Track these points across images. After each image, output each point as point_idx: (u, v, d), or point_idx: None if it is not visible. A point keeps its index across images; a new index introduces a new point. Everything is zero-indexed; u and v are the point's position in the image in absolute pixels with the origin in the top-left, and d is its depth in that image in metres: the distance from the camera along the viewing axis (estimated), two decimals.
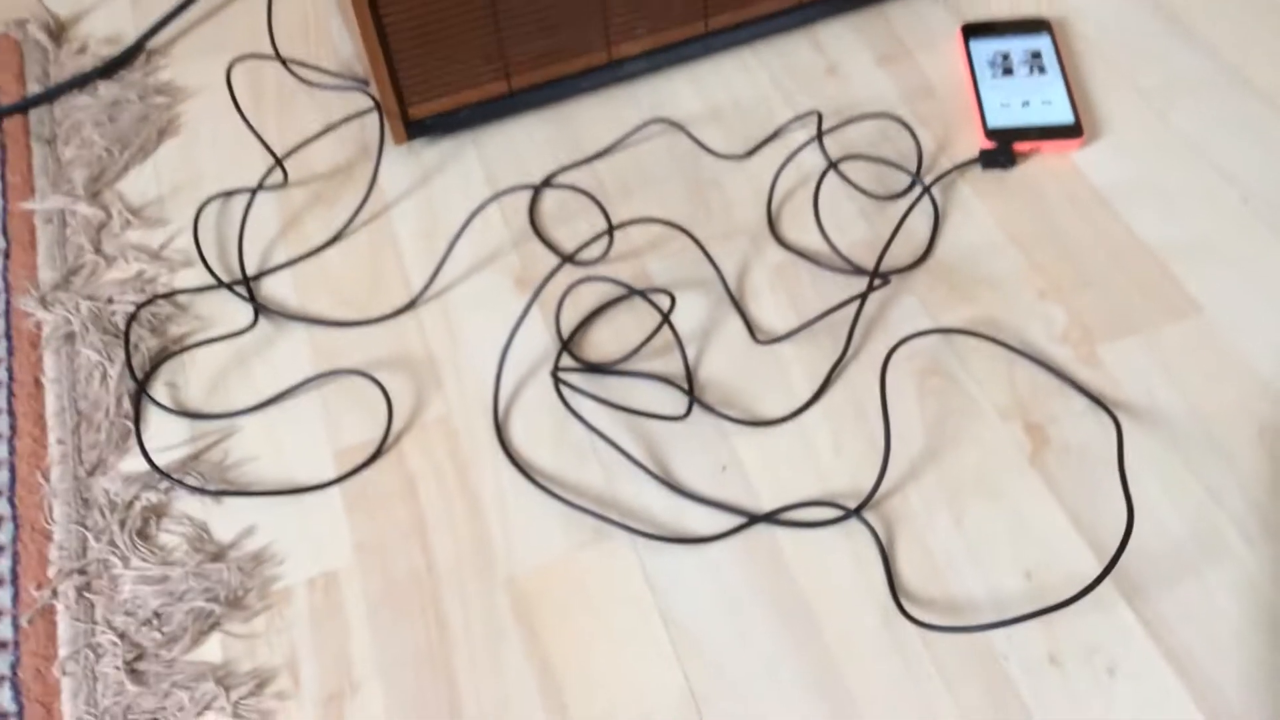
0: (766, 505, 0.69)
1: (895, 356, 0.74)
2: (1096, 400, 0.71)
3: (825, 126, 0.87)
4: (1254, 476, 0.68)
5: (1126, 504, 0.66)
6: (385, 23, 0.81)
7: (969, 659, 0.63)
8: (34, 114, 0.94)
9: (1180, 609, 0.63)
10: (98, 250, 0.85)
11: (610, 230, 0.80)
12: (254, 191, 0.86)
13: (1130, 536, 0.65)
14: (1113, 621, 0.63)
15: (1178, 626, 0.63)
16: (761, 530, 0.68)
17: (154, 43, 0.99)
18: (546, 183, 0.86)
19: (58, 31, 1.02)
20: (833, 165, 0.84)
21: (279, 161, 0.87)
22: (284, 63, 0.94)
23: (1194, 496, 0.67)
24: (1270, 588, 0.64)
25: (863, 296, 0.76)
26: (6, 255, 0.85)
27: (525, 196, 0.85)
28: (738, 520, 0.69)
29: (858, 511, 0.68)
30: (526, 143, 0.89)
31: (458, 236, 0.82)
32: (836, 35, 0.94)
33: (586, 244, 0.81)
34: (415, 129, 0.88)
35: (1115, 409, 0.71)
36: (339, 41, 0.98)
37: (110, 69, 0.96)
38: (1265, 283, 0.76)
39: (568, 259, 0.80)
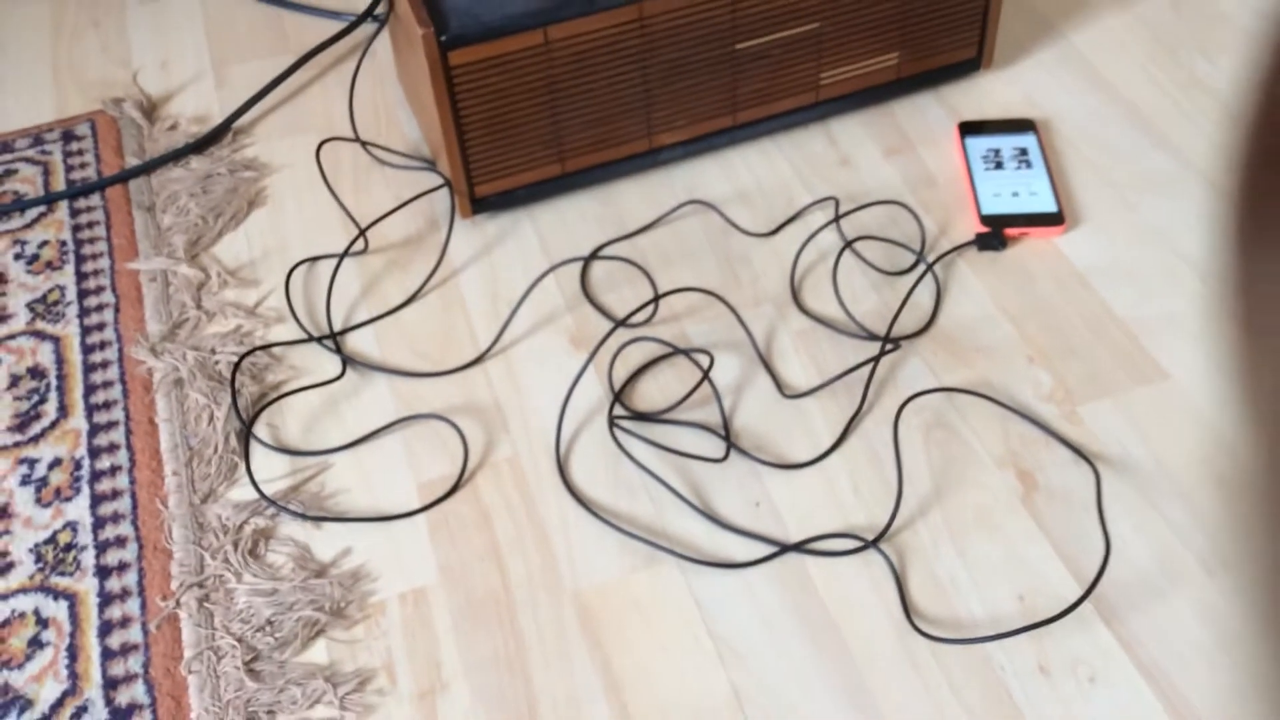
0: (795, 536, 0.80)
1: (905, 411, 0.86)
2: (1078, 451, 0.83)
3: (840, 211, 0.99)
4: (1213, 518, 0.79)
5: (1104, 539, 0.77)
6: (461, 116, 0.93)
7: (971, 668, 0.74)
8: (133, 184, 1.06)
9: (1150, 628, 0.75)
10: (199, 306, 0.96)
11: (656, 298, 0.92)
12: (341, 257, 0.98)
13: (1107, 566, 0.77)
14: (1093, 638, 0.74)
15: (1148, 643, 0.74)
16: (791, 558, 0.79)
17: (239, 123, 1.11)
18: (596, 255, 0.98)
19: (150, 110, 1.13)
20: (848, 244, 0.96)
21: (362, 232, 0.99)
22: (364, 144, 1.06)
23: (1161, 534, 0.79)
24: (1227, 611, 0.75)
25: (875, 359, 0.88)
26: (117, 309, 0.96)
27: (577, 266, 0.97)
28: (770, 549, 0.80)
29: (875, 543, 0.79)
30: (576, 218, 1.01)
31: (520, 302, 0.94)
32: (848, 130, 1.06)
33: (637, 310, 0.93)
34: (479, 205, 1.00)
35: (1094, 459, 0.82)
36: (406, 126, 1.10)
37: (201, 145, 1.08)
38: (1222, 354, 0.88)
39: (620, 323, 0.91)
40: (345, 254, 0.98)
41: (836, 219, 0.98)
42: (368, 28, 1.20)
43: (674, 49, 0.96)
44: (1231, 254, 0.21)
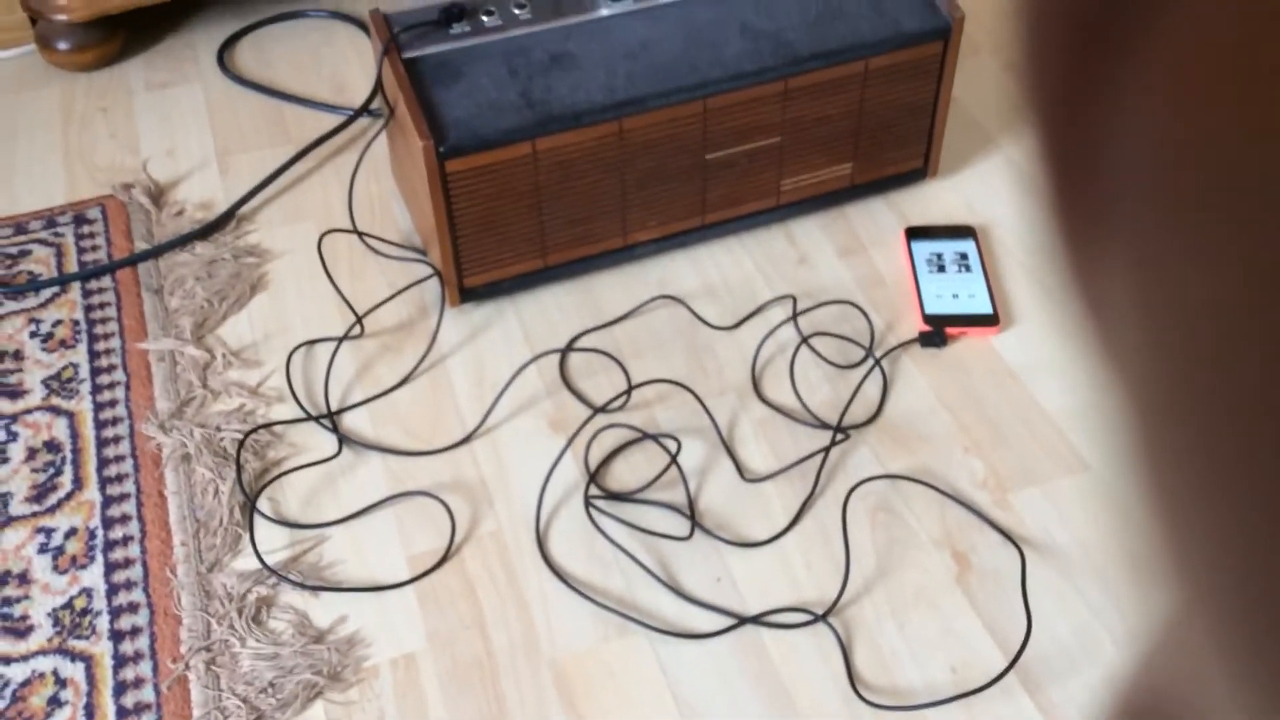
0: (753, 610, 0.88)
1: (853, 496, 0.95)
2: (1007, 535, 0.92)
3: (798, 309, 1.09)
4: (1127, 598, 0.89)
5: (1026, 617, 0.86)
6: (455, 215, 1.02)
7: None
8: (142, 267, 1.14)
9: (1068, 698, 0.84)
10: (205, 385, 1.03)
11: (629, 389, 1.01)
12: (339, 342, 1.06)
13: (1028, 642, 0.86)
14: (1016, 707, 0.83)
15: (1067, 712, 0.83)
16: (749, 630, 0.87)
17: (242, 210, 1.19)
18: (573, 347, 1.06)
19: (158, 195, 1.21)
20: (804, 340, 1.06)
21: (359, 319, 1.07)
22: (360, 236, 1.15)
23: (1079, 612, 0.88)
24: None
25: (827, 449, 0.97)
26: (128, 387, 1.03)
27: (557, 355, 1.06)
28: (730, 621, 0.88)
29: (824, 617, 0.87)
30: (556, 308, 1.10)
31: (504, 389, 1.02)
32: (806, 230, 1.16)
33: (612, 400, 1.01)
34: (467, 294, 1.08)
35: (1021, 543, 0.92)
36: (398, 215, 1.19)
37: (206, 231, 1.16)
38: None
39: (597, 411, 1.00)
40: (343, 339, 1.06)
41: (794, 316, 1.08)
42: (362, 122, 1.29)
43: (650, 158, 1.05)
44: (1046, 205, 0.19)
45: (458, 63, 1.02)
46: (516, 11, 1.05)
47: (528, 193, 1.03)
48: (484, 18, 1.04)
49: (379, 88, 1.08)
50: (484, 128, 0.98)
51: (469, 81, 1.01)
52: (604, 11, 1.06)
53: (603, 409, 1.01)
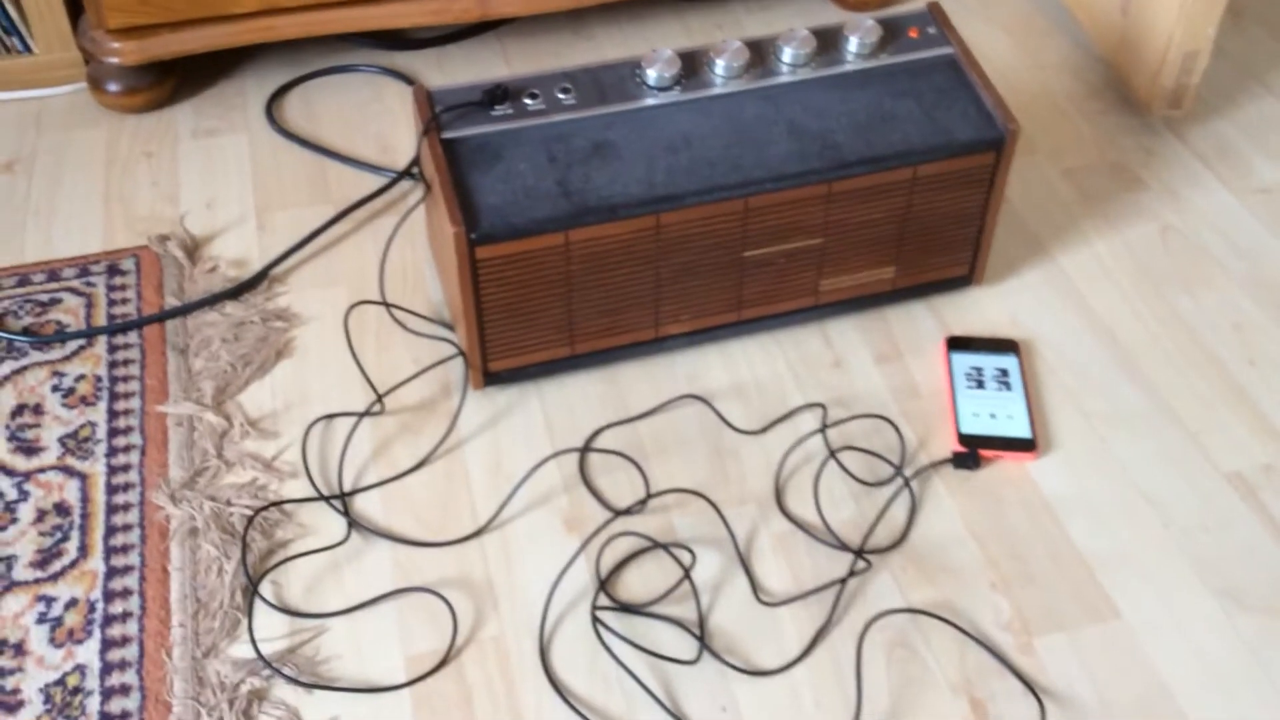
0: None
1: (870, 628, 0.91)
2: (1028, 685, 0.88)
3: (829, 420, 1.05)
4: None
5: None
6: (483, 300, 1.00)
7: None
8: (170, 325, 1.13)
9: None
10: (220, 455, 1.02)
11: (647, 497, 0.98)
12: (359, 418, 1.04)
13: None
14: None
15: None
16: None
17: (276, 270, 1.18)
18: (592, 447, 1.03)
19: (192, 249, 1.21)
20: (833, 455, 1.02)
21: (380, 397, 1.06)
22: (389, 309, 1.13)
23: None
24: None
25: (845, 579, 0.94)
26: (143, 452, 1.02)
27: (577, 453, 1.03)
28: None
29: None
30: (580, 398, 1.07)
31: (520, 484, 1.00)
32: (843, 332, 1.13)
33: (631, 507, 0.98)
34: (491, 378, 1.06)
35: (1042, 694, 0.88)
36: (431, 288, 1.17)
37: (237, 291, 1.15)
38: (1174, 600, 0.94)
39: (618, 514, 0.97)
40: (362, 416, 1.05)
41: (824, 428, 1.04)
42: (404, 185, 1.28)
43: (686, 254, 1.03)
44: None
45: (497, 145, 1.00)
46: (560, 96, 1.03)
47: (558, 282, 1.01)
48: (527, 101, 1.02)
49: (418, 165, 1.06)
50: (518, 216, 0.96)
51: (507, 166, 0.99)
52: (649, 101, 1.04)
53: (622, 513, 0.98)
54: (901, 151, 1.02)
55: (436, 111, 1.01)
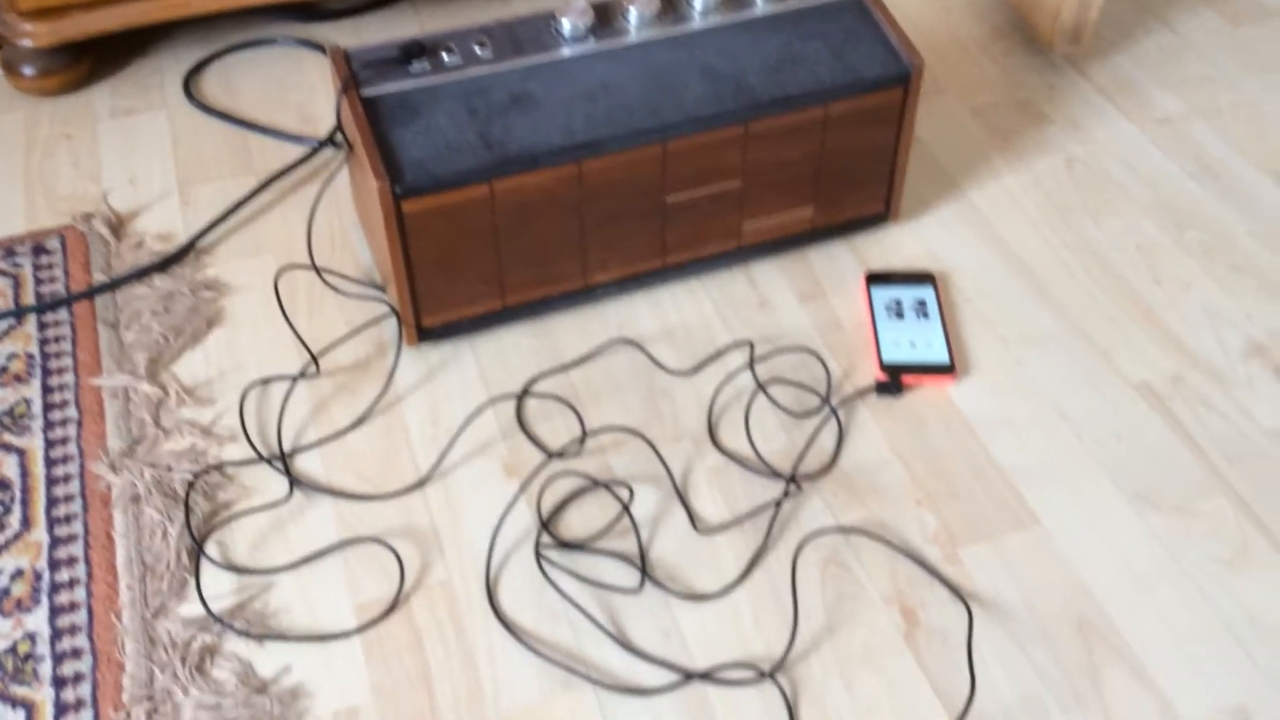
0: (701, 664, 0.88)
1: (804, 548, 0.95)
2: (956, 592, 0.92)
3: (756, 355, 1.09)
4: (1072, 660, 0.89)
5: (970, 678, 0.86)
6: (411, 256, 1.01)
7: None
8: (99, 300, 1.13)
9: None
10: (157, 424, 1.03)
11: (584, 437, 1.00)
12: (294, 380, 1.05)
13: (972, 704, 0.85)
14: None
15: None
16: (696, 686, 0.87)
17: (202, 242, 1.19)
18: (530, 392, 1.06)
19: (118, 226, 1.20)
20: (761, 388, 1.06)
21: (314, 358, 1.07)
22: (319, 272, 1.14)
23: (1024, 673, 0.88)
24: None
25: (779, 502, 0.97)
26: (80, 424, 1.02)
27: (513, 399, 1.05)
28: (677, 677, 0.87)
29: (771, 675, 0.87)
30: (514, 349, 1.09)
31: (459, 433, 1.02)
32: (767, 274, 1.16)
33: (567, 447, 1.01)
34: (424, 334, 1.08)
35: (969, 600, 0.92)
36: (359, 251, 1.18)
37: (165, 264, 1.15)
38: (1089, 505, 0.98)
39: (551, 457, 1.00)
40: (297, 378, 1.06)
41: (751, 363, 1.07)
42: (326, 153, 1.28)
43: (609, 201, 1.05)
44: None
45: (416, 102, 1.02)
46: (477, 50, 1.05)
47: (485, 233, 1.02)
48: (444, 56, 1.04)
49: (339, 125, 1.07)
50: (441, 169, 0.98)
51: (427, 121, 1.01)
52: (565, 52, 1.06)
53: (557, 455, 1.01)
54: (812, 91, 1.05)
55: (354, 69, 1.02)
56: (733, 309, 1.13)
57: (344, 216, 1.22)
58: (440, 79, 1.03)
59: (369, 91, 1.02)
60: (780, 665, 0.88)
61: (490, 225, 1.02)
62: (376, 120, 1.00)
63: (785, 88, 1.05)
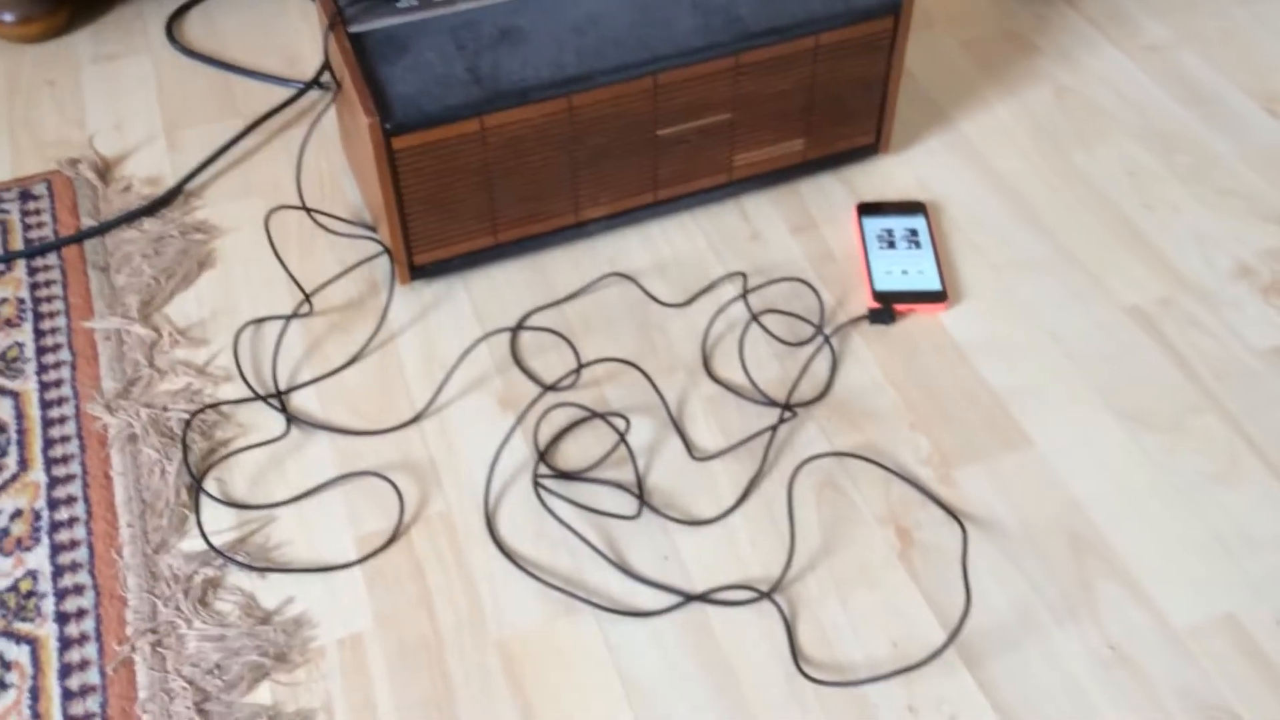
0: (699, 587, 0.89)
1: (799, 474, 0.96)
2: (949, 511, 0.93)
3: (749, 286, 1.09)
4: (1065, 574, 0.90)
5: (965, 592, 0.87)
6: (402, 193, 1.01)
7: (849, 708, 0.83)
8: (89, 244, 1.12)
9: (1006, 672, 0.85)
10: (151, 365, 1.03)
11: (579, 367, 1.01)
12: (288, 319, 1.05)
13: (967, 617, 0.87)
14: (956, 681, 0.84)
15: (1004, 686, 0.84)
16: (695, 608, 0.88)
17: (190, 186, 1.18)
18: (524, 325, 1.06)
19: (104, 171, 1.20)
20: (754, 318, 1.06)
21: (307, 297, 1.07)
22: (309, 213, 1.14)
23: (1018, 587, 0.89)
24: (1074, 660, 0.85)
25: (774, 427, 0.98)
26: (73, 367, 1.02)
27: (508, 333, 1.06)
28: (676, 599, 0.89)
29: (769, 594, 0.88)
30: (507, 285, 1.10)
31: (454, 368, 1.02)
32: (759, 206, 1.16)
33: (561, 379, 1.01)
34: (417, 272, 1.08)
35: (963, 519, 0.93)
36: (349, 193, 1.18)
37: (153, 208, 1.15)
38: (1081, 425, 0.99)
39: (546, 389, 1.00)
40: (290, 317, 1.06)
41: (744, 294, 1.08)
42: (312, 95, 1.27)
43: (600, 135, 1.05)
44: None
45: (404, 37, 1.01)
46: None
47: (477, 169, 1.02)
48: None
49: (326, 63, 1.07)
50: (431, 104, 0.98)
51: (415, 56, 1.00)
52: None
53: (551, 388, 1.01)
54: (804, 20, 1.05)
55: (340, 6, 1.01)
56: (725, 242, 1.13)
57: (332, 158, 1.21)
58: (427, 14, 1.02)
59: (357, 28, 1.01)
60: (778, 585, 0.89)
61: (481, 161, 1.02)
62: (364, 57, 1.00)
63: (776, 18, 1.05)
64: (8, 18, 1.32)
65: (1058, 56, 1.32)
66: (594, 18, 1.04)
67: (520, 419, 0.98)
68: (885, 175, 1.19)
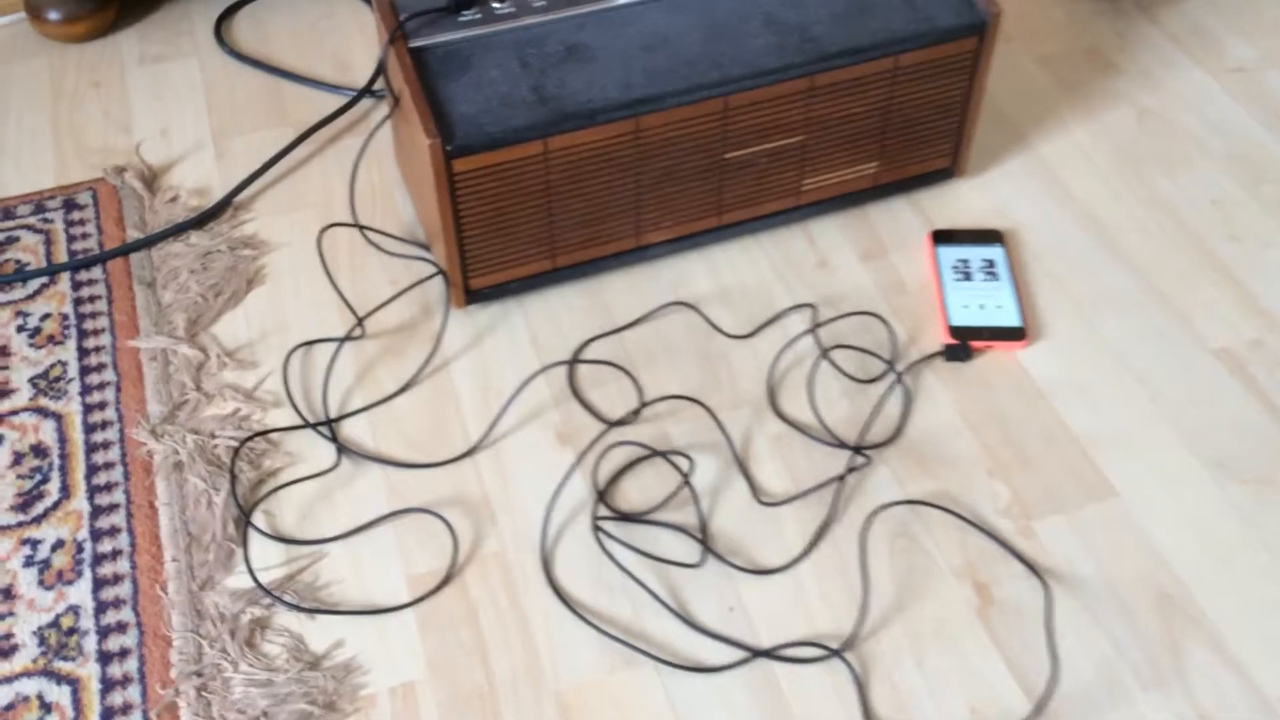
0: (766, 641, 0.85)
1: (872, 521, 0.91)
2: (1030, 567, 0.88)
3: (819, 319, 1.04)
4: (1152, 636, 0.85)
5: (1052, 658, 0.83)
6: (461, 216, 0.97)
7: None
8: (134, 258, 1.09)
9: None
10: (198, 388, 0.99)
11: (641, 406, 0.97)
12: (340, 343, 1.01)
13: (1055, 687, 0.82)
14: None
15: None
16: (761, 663, 0.84)
17: (239, 198, 1.15)
18: (581, 359, 1.02)
19: (151, 180, 1.16)
20: (825, 354, 1.01)
21: (360, 320, 1.03)
22: (362, 230, 1.10)
23: (1102, 650, 0.84)
24: None
25: (845, 475, 0.93)
26: (118, 388, 0.99)
27: (566, 364, 1.01)
28: (742, 654, 0.85)
29: (840, 652, 0.84)
30: (564, 311, 1.05)
31: (510, 401, 0.98)
32: (826, 232, 1.12)
33: (624, 418, 0.97)
34: (472, 296, 1.04)
35: (1045, 574, 0.88)
36: (401, 206, 1.14)
37: (201, 220, 1.11)
38: (1167, 474, 0.94)
39: (612, 425, 0.96)
40: (343, 341, 1.02)
41: (814, 328, 1.03)
42: (365, 103, 1.23)
43: (666, 158, 1.00)
44: None
45: (467, 53, 0.97)
46: None
47: (538, 192, 0.98)
48: (495, 4, 0.99)
49: (384, 77, 1.03)
50: (494, 125, 0.93)
51: (478, 74, 0.96)
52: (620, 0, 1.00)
53: (615, 424, 0.97)
54: (882, 41, 1.00)
55: (401, 19, 0.97)
56: (791, 269, 1.09)
57: (385, 169, 1.17)
58: (491, 29, 0.98)
59: (417, 42, 0.97)
60: (849, 642, 0.85)
61: (543, 183, 0.97)
62: (425, 73, 0.95)
63: (854, 37, 1.00)
64: (53, 16, 1.28)
65: (1139, 76, 1.27)
66: (663, 35, 0.99)
67: (580, 459, 0.94)
68: (959, 200, 1.14)
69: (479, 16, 0.98)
